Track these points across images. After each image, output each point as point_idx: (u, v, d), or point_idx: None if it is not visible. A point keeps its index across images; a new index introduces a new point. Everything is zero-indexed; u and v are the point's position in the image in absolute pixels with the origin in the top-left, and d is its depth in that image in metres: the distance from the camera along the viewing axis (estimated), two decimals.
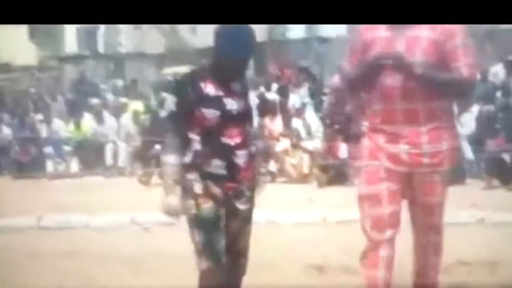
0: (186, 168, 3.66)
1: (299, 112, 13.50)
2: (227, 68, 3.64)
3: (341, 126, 11.53)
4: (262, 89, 15.33)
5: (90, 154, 14.86)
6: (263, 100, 14.39)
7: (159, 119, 14.60)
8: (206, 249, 3.64)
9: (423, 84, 3.72)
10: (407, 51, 3.73)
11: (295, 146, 12.50)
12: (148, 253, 6.59)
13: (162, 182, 3.68)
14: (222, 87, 3.66)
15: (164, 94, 14.39)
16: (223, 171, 3.64)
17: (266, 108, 13.43)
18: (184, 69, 22.35)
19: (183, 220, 3.74)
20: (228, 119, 3.64)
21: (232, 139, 3.64)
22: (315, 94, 14.43)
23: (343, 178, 11.17)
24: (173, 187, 3.63)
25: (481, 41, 17.13)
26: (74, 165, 15.09)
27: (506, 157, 10.79)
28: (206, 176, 3.64)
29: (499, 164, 10.75)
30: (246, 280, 3.91)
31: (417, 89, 3.73)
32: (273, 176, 12.20)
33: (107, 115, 15.69)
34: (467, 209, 8.12)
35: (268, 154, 11.76)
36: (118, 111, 15.95)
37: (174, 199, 3.62)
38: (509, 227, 7.29)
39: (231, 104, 3.65)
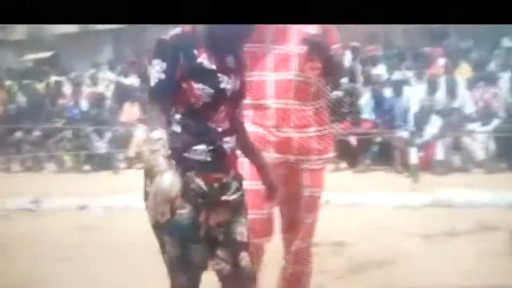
0: None
1: None
2: (224, 37, 3.06)
3: None
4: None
5: None
6: (120, 86, 14.55)
7: (21, 106, 14.46)
8: (180, 264, 2.99)
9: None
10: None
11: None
12: (8, 238, 6.65)
13: (150, 162, 2.87)
14: (218, 60, 3.06)
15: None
16: (208, 158, 3.02)
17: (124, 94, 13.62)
18: (46, 55, 21.91)
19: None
20: (220, 100, 3.05)
21: (219, 124, 3.05)
22: None
23: None
24: (166, 164, 2.83)
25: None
26: None
27: (352, 140, 11.27)
28: (185, 165, 2.98)
29: (345, 147, 11.27)
30: None
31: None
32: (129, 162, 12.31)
33: None
34: None
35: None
36: None
37: (170, 178, 2.81)
38: (355, 208, 7.83)
39: (226, 82, 3.05)
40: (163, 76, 2.96)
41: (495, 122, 10.86)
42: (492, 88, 11.78)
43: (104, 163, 12.32)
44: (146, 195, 2.95)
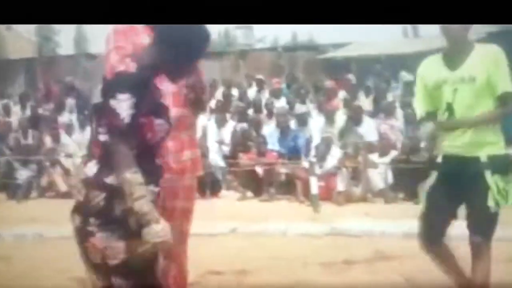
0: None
1: (69, 128, 13.61)
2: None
3: None
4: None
5: None
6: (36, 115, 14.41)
7: None
8: None
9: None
10: None
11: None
12: None
13: (142, 209, 2.89)
14: (174, 91, 3.16)
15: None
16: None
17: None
18: None
19: None
20: (167, 135, 3.11)
21: (162, 161, 3.15)
22: (81, 110, 14.47)
23: None
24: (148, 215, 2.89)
25: (235, 61, 18.20)
26: None
27: (258, 170, 11.49)
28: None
29: (252, 176, 11.50)
30: None
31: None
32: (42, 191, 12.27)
33: None
34: (221, 220, 8.68)
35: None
36: None
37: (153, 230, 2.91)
38: (259, 236, 7.96)
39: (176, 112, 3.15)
40: (134, 111, 2.89)
41: (393, 153, 11.25)
42: (389, 120, 12.24)
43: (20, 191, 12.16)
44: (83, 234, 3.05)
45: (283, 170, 11.47)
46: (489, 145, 4.31)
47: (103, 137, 2.97)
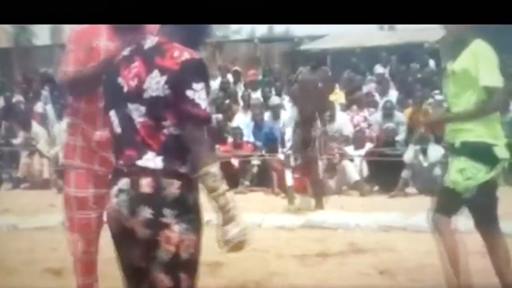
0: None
1: (42, 117, 13.53)
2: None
3: None
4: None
5: None
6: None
7: None
8: None
9: None
10: None
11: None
12: None
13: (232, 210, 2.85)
14: None
15: None
16: None
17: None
18: None
19: None
20: None
21: None
22: (57, 100, 14.35)
23: None
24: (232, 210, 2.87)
25: (212, 53, 18.15)
26: None
27: (234, 161, 11.47)
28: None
29: (227, 168, 11.39)
30: None
31: None
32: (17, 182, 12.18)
33: None
34: None
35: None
36: None
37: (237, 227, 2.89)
38: None
39: None
40: (208, 99, 2.87)
41: (368, 146, 11.29)
42: (362, 113, 12.29)
43: None
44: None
45: (256, 162, 11.47)
46: (464, 132, 4.48)
47: (172, 130, 2.87)
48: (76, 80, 3.98)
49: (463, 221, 4.72)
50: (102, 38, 4.01)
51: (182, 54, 2.86)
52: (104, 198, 3.57)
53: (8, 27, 48.19)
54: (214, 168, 2.82)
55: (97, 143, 4.09)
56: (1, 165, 12.48)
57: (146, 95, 2.87)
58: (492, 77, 4.38)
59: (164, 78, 2.84)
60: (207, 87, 2.87)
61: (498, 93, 4.41)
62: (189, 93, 2.81)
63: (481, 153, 4.43)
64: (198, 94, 2.81)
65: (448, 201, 4.57)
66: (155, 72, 2.86)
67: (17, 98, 15.02)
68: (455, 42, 4.59)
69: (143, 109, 2.89)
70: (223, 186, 2.84)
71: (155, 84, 2.84)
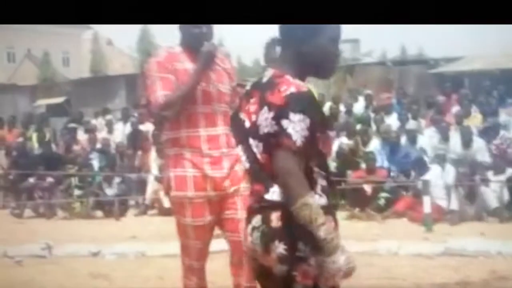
0: None
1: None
2: None
3: None
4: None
5: None
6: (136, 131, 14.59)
7: (31, 152, 14.53)
8: None
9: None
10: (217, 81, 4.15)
11: None
12: (20, 286, 6.63)
13: (334, 241, 2.71)
14: None
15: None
16: None
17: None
18: (57, 100, 21.85)
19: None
20: None
21: None
22: None
23: None
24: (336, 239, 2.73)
25: (343, 76, 18.05)
26: None
27: (367, 188, 11.22)
28: None
29: (360, 195, 11.24)
30: None
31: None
32: (144, 208, 12.34)
33: None
34: None
35: None
36: None
37: (343, 255, 2.71)
38: (369, 256, 7.72)
39: None
40: (307, 133, 2.74)
41: (510, 171, 10.81)
42: (507, 137, 11.83)
43: (114, 209, 12.27)
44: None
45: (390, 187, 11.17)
46: None
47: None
48: (172, 102, 3.99)
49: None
50: (182, 61, 4.10)
51: (288, 88, 2.77)
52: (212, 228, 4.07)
53: (134, 53, 49.84)
54: (311, 200, 2.70)
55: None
56: (127, 192, 12.67)
57: (260, 131, 2.83)
58: None
59: (272, 114, 2.77)
60: (308, 119, 2.72)
61: None
62: (284, 122, 2.72)
63: None
64: (293, 125, 2.70)
65: None
66: (265, 109, 2.80)
67: (147, 125, 15.16)
68: None
69: (260, 145, 2.84)
70: (322, 217, 2.69)
71: (264, 121, 2.79)
